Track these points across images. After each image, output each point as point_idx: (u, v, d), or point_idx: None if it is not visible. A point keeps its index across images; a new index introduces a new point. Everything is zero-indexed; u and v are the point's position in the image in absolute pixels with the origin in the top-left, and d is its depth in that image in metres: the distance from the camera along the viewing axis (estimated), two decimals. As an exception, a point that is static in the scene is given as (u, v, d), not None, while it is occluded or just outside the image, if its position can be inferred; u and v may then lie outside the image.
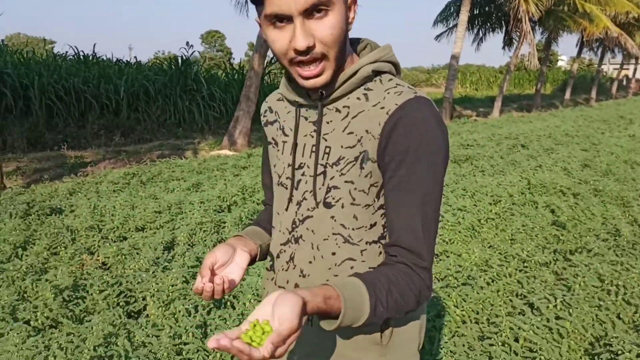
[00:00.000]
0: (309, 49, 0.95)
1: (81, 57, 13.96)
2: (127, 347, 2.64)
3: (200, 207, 5.35)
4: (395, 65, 1.10)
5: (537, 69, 23.38)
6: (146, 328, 2.90)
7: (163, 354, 2.60)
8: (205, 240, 4.49)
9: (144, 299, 3.34)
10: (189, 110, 13.84)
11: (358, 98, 1.06)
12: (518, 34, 18.94)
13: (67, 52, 15.13)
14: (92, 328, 2.78)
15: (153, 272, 3.62)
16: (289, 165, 1.15)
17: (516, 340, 2.80)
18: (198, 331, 2.82)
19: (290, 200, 1.15)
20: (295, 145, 1.13)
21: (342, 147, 1.05)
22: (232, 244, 1.17)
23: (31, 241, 4.43)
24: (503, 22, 20.95)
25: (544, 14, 18.81)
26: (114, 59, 14.73)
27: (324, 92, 1.05)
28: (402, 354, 1.14)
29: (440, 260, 4.05)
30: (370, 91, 1.06)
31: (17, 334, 2.73)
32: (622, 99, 31.21)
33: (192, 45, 14.86)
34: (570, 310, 3.01)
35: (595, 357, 2.68)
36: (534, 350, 2.67)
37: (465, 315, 3.12)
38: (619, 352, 2.58)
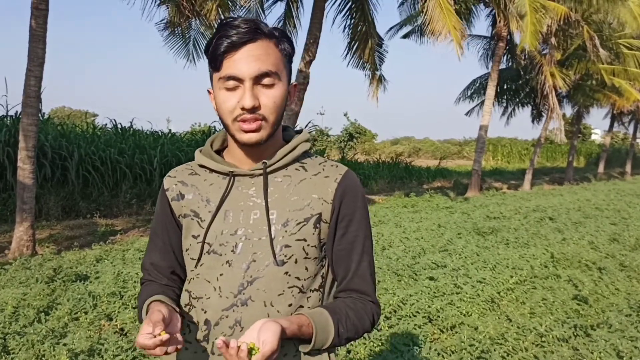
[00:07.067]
0: (254, 109, 1.13)
1: (119, 129, 14.58)
2: (134, 412, 2.67)
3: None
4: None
5: (566, 143, 23.27)
6: (154, 394, 2.93)
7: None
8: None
9: (155, 364, 3.38)
10: (220, 180, 14.13)
11: (297, 169, 1.26)
12: (546, 108, 19.10)
13: (106, 124, 15.81)
14: (101, 392, 2.83)
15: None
16: (222, 232, 1.21)
17: (526, 416, 2.72)
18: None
19: (230, 264, 1.19)
20: (229, 212, 1.22)
21: (288, 210, 1.20)
22: (167, 306, 1.18)
23: (54, 306, 4.55)
24: (532, 96, 21.13)
25: (572, 88, 18.99)
26: (151, 131, 15.33)
27: (266, 161, 1.21)
28: None
29: (456, 332, 4.00)
30: (304, 164, 1.28)
31: (30, 396, 2.79)
32: (658, 173, 30.65)
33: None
34: (584, 387, 2.93)
35: None
36: None
37: (476, 390, 3.06)
38: None
